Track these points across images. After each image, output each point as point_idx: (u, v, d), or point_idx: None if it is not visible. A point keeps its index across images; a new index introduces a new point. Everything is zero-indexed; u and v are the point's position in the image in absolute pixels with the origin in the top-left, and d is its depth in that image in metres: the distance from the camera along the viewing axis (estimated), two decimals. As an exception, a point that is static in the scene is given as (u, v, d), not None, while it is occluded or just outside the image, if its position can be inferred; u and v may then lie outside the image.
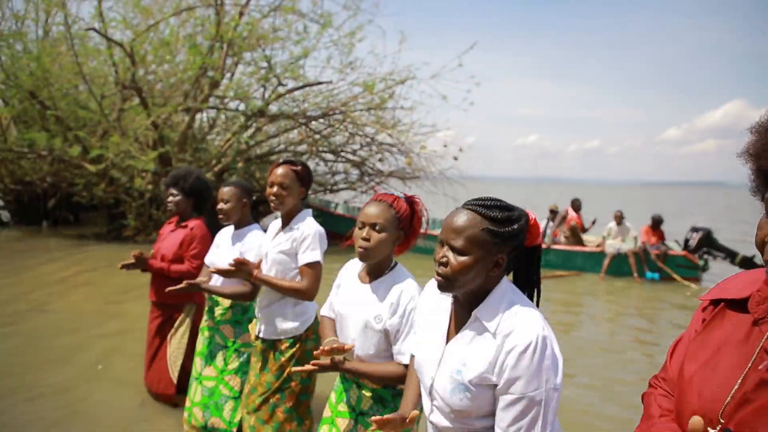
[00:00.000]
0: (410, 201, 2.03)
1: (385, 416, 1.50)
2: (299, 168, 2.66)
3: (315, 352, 1.93)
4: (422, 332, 1.61)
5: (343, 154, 13.21)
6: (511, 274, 1.55)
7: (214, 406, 3.20)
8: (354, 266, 2.16)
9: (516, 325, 1.37)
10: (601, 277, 9.46)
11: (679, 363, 1.12)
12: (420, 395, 1.69)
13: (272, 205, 2.64)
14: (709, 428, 0.91)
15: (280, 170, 2.63)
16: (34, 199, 13.87)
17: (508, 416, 1.35)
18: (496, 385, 1.38)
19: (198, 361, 3.29)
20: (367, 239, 1.92)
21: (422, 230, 2.04)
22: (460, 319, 1.50)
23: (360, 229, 1.95)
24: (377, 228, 1.92)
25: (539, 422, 1.34)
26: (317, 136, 12.51)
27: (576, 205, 10.88)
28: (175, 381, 3.59)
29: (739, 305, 1.04)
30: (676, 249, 9.75)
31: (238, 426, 3.20)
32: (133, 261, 3.40)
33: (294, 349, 2.69)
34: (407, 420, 1.57)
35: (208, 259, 3.29)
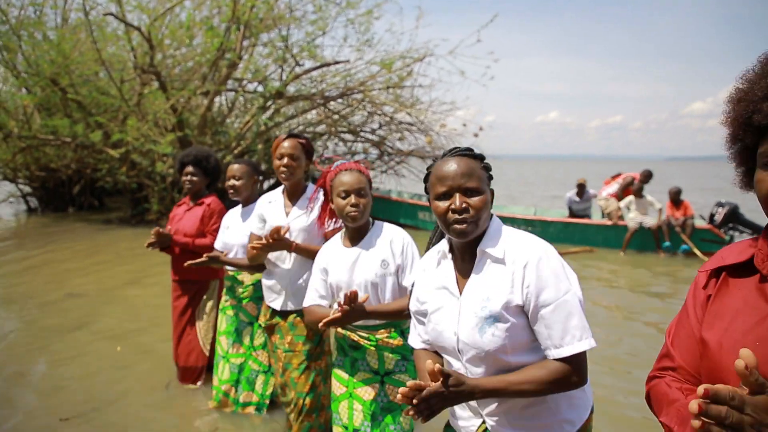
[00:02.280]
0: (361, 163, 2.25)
1: (421, 393, 1.33)
2: (304, 140, 2.76)
3: (334, 311, 2.03)
4: (429, 305, 1.59)
5: (362, 133, 13.17)
6: None
7: (245, 381, 3.27)
8: (331, 244, 2.30)
9: (519, 245, 1.46)
10: (622, 253, 9.34)
11: (687, 344, 1.09)
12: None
13: (282, 177, 2.70)
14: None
15: (287, 143, 2.69)
16: (60, 185, 14.16)
17: (555, 327, 1.38)
18: (523, 308, 1.42)
19: (224, 340, 3.34)
20: (356, 204, 2.13)
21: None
22: (465, 267, 1.54)
23: (344, 198, 2.14)
24: (362, 193, 2.15)
25: (582, 322, 1.39)
26: (336, 117, 12.47)
27: (645, 176, 9.87)
28: (207, 354, 3.67)
29: (741, 269, 1.04)
30: (702, 223, 9.54)
31: (270, 398, 3.27)
32: (154, 239, 3.44)
33: None
34: (434, 372, 1.35)
35: (219, 242, 3.36)
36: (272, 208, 2.82)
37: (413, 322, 1.69)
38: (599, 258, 8.99)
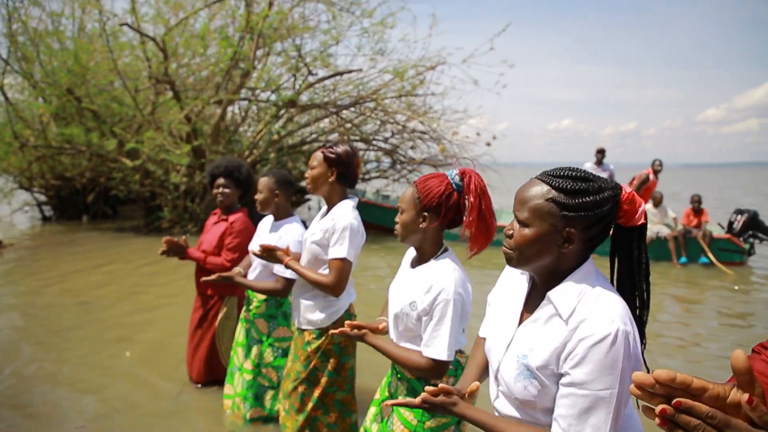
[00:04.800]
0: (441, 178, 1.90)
1: (440, 388, 1.36)
2: (334, 152, 2.57)
3: (341, 329, 1.96)
4: (495, 313, 1.52)
5: (374, 142, 13.15)
6: (615, 263, 1.40)
7: (254, 397, 3.22)
8: (410, 252, 2.10)
9: (593, 312, 1.22)
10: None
11: None
12: (480, 374, 1.61)
13: (308, 188, 2.63)
14: None
15: (315, 155, 2.61)
16: (74, 193, 14.26)
17: (569, 412, 1.22)
18: (561, 376, 1.25)
19: (240, 352, 3.31)
20: (396, 222, 1.97)
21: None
22: (533, 301, 1.39)
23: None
24: (401, 210, 1.94)
25: (606, 423, 1.19)
26: (348, 125, 12.47)
27: (656, 168, 9.56)
28: (223, 366, 3.65)
29: None
30: (720, 232, 9.38)
31: (276, 413, 3.23)
32: (165, 248, 3.39)
33: (320, 342, 2.64)
34: (467, 394, 1.45)
35: (251, 248, 3.29)
36: (313, 219, 2.79)
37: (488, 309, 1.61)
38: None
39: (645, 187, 9.53)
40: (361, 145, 13.30)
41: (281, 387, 2.81)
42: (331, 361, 2.63)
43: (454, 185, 1.87)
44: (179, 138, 11.39)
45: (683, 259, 9.06)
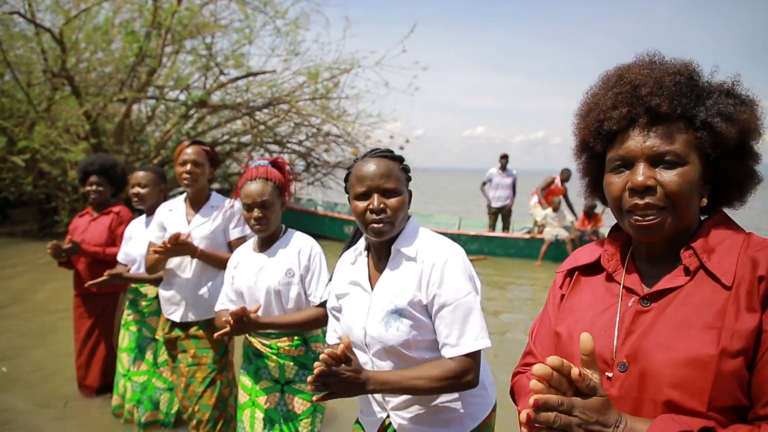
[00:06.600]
0: (275, 164, 2.21)
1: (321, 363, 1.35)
2: (209, 148, 2.73)
3: (222, 321, 2.04)
4: (344, 300, 1.63)
5: (288, 144, 13.04)
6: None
7: (148, 400, 3.12)
8: (244, 248, 2.29)
9: (432, 245, 1.52)
10: (538, 264, 9.69)
11: (546, 341, 1.18)
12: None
13: (185, 183, 2.65)
14: (606, 373, 0.98)
15: (191, 149, 2.65)
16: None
17: (453, 326, 1.43)
18: (427, 307, 1.47)
19: (125, 357, 3.19)
20: (258, 218, 2.09)
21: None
22: (379, 265, 1.59)
23: (248, 211, 2.11)
24: (266, 204, 2.09)
25: (480, 323, 1.44)
26: (262, 127, 12.29)
27: (565, 176, 10.09)
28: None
29: (592, 269, 1.15)
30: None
31: (175, 417, 3.14)
32: (50, 251, 3.22)
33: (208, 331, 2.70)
34: (342, 349, 1.37)
35: (121, 254, 3.23)
36: (173, 216, 2.74)
37: (330, 318, 1.73)
38: (518, 268, 9.34)
39: (549, 190, 10.22)
40: (274, 147, 13.15)
41: (186, 395, 2.67)
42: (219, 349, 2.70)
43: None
44: (77, 136, 10.73)
45: None
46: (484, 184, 10.79)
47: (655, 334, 0.96)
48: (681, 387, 0.91)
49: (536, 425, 0.84)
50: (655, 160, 0.99)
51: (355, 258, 1.65)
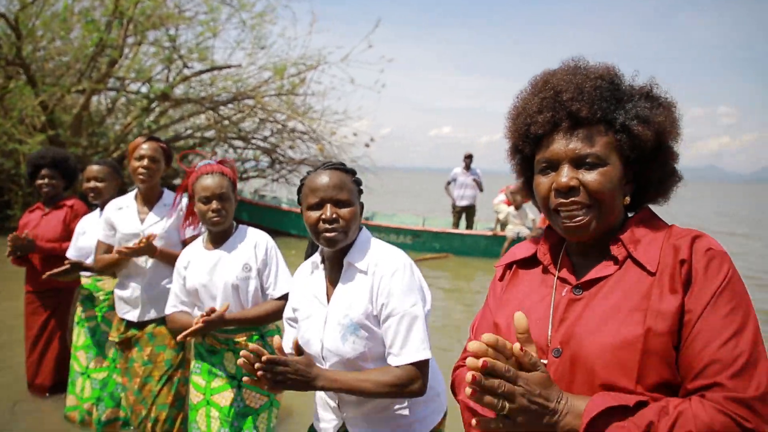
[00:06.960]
0: (224, 162, 2.24)
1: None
2: (164, 144, 2.72)
3: (196, 319, 2.01)
4: (300, 313, 1.65)
5: (253, 140, 12.89)
6: None
7: (109, 397, 3.06)
8: (192, 247, 2.27)
9: (382, 257, 1.56)
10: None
11: (488, 331, 1.21)
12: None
13: (140, 179, 2.61)
14: (541, 359, 1.01)
15: (147, 145, 2.62)
16: None
17: (398, 336, 1.47)
18: (378, 318, 1.51)
19: (81, 355, 3.13)
20: (217, 210, 2.10)
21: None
22: (334, 277, 1.62)
23: (205, 203, 2.11)
24: (224, 197, 2.12)
25: (423, 333, 1.49)
26: (226, 122, 12.13)
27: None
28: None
29: (529, 263, 1.21)
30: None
31: None
32: (10, 244, 3.15)
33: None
34: (296, 341, 1.49)
35: (72, 248, 3.16)
36: (124, 215, 2.70)
37: (285, 327, 1.74)
38: (479, 266, 9.46)
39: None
40: (239, 143, 12.99)
41: (140, 397, 2.62)
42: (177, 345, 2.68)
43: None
44: (33, 127, 10.39)
45: None
46: (448, 183, 10.91)
47: (586, 320, 1.02)
48: (611, 367, 0.96)
49: (481, 388, 0.87)
50: (578, 162, 1.05)
51: (312, 270, 1.68)
